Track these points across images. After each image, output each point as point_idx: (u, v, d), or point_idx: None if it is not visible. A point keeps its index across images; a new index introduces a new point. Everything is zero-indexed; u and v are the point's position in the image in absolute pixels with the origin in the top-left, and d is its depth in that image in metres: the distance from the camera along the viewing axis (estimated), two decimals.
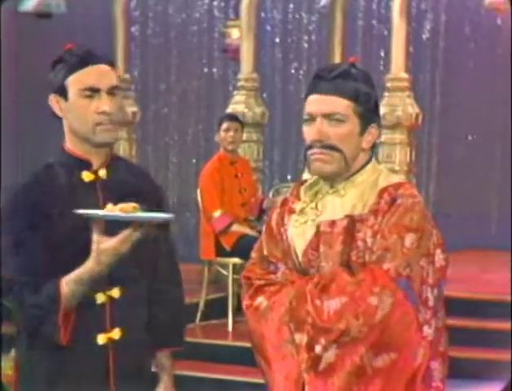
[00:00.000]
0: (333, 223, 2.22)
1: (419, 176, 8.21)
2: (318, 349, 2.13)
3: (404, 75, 6.89)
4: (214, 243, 6.29)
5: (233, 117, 6.50)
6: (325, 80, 2.23)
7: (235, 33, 8.06)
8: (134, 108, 7.83)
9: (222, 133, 6.30)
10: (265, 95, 8.77)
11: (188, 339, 6.89)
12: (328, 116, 2.22)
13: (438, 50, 9.30)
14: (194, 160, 9.77)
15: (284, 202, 2.35)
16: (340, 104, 2.22)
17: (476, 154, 9.10)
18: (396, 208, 2.18)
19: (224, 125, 6.29)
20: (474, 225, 8.47)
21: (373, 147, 2.31)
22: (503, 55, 8.89)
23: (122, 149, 7.71)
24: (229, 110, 7.37)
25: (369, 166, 2.28)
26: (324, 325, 2.12)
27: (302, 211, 2.29)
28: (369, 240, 2.17)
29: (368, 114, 2.26)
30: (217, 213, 6.20)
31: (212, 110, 9.78)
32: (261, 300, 2.24)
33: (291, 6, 9.87)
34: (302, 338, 2.15)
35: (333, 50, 7.86)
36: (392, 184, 2.23)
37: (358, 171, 2.26)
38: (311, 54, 9.70)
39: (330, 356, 2.12)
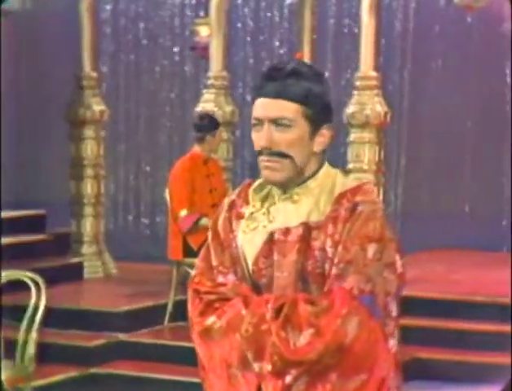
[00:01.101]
0: (287, 231, 2.12)
1: (388, 175, 8.19)
2: (288, 379, 2.04)
3: (373, 73, 6.85)
4: (181, 243, 6.23)
5: (218, 122, 6.53)
6: (273, 81, 2.11)
7: (204, 31, 8.01)
8: (102, 107, 7.75)
9: (218, 139, 6.39)
10: (236, 94, 8.72)
11: (156, 341, 6.85)
12: (275, 121, 2.11)
13: (407, 48, 9.30)
14: (167, 159, 9.70)
15: (232, 205, 2.23)
16: (287, 108, 2.11)
17: (446, 153, 9.11)
18: (357, 217, 2.09)
19: (219, 131, 6.36)
20: (444, 224, 8.47)
21: (325, 151, 2.20)
22: (474, 53, 8.90)
23: (90, 149, 7.64)
24: (199, 108, 7.32)
25: (322, 170, 2.17)
26: (293, 358, 2.03)
27: (251, 216, 2.18)
28: (330, 250, 2.09)
29: (319, 116, 2.14)
30: (183, 213, 6.14)
31: (184, 108, 9.72)
32: (213, 321, 2.13)
33: (263, 3, 9.83)
34: (263, 366, 2.06)
35: (302, 48, 7.83)
36: (350, 189, 2.14)
37: (311, 176, 2.16)
38: (283, 53, 9.67)
39: (300, 384, 2.04)
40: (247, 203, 2.22)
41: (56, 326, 6.01)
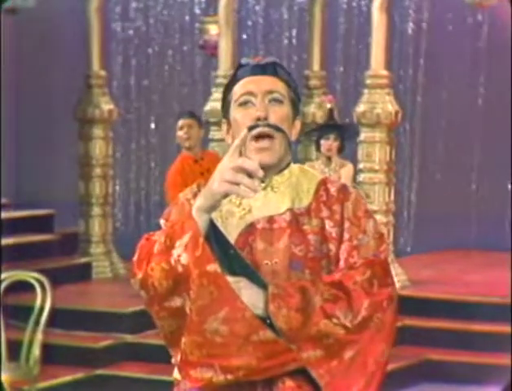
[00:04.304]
0: (271, 219, 2.12)
1: (401, 175, 8.11)
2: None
3: (384, 72, 6.77)
4: None
5: (186, 114, 6.21)
6: (257, 66, 2.17)
7: (213, 29, 7.95)
8: (111, 106, 7.69)
9: (178, 132, 6.06)
10: None
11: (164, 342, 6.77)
12: (268, 94, 2.13)
13: (420, 47, 9.20)
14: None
15: (196, 197, 2.14)
16: (278, 83, 2.16)
17: (457, 153, 9.02)
18: (350, 196, 2.16)
19: (179, 123, 6.05)
20: (456, 225, 8.39)
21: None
22: (484, 51, 8.82)
23: (98, 148, 7.58)
24: (207, 107, 7.24)
25: (292, 165, 2.21)
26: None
27: (221, 208, 2.14)
28: (333, 230, 2.12)
29: (297, 103, 2.20)
30: None
31: (194, 108, 9.65)
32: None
33: (273, 2, 9.78)
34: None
35: (312, 46, 7.76)
36: (325, 177, 2.23)
37: (285, 168, 2.19)
38: (292, 51, 9.61)
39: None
40: None
41: (63, 327, 5.97)
